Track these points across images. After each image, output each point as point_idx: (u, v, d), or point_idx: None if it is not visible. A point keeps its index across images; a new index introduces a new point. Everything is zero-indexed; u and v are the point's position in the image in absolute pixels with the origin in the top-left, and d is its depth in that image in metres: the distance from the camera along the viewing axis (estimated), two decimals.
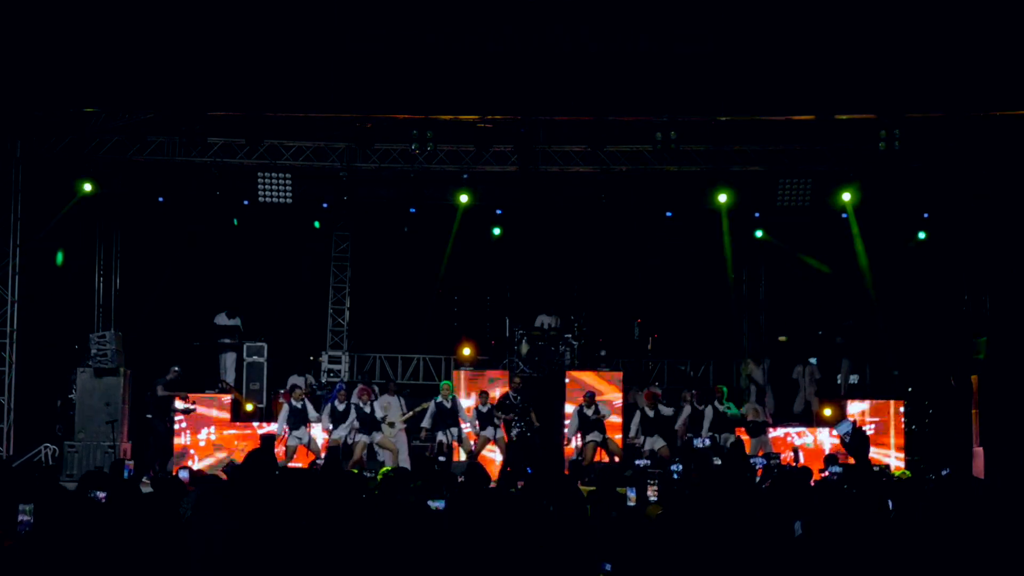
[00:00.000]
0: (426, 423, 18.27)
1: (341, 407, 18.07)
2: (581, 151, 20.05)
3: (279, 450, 17.69)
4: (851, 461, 16.54)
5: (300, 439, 18.05)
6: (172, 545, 7.19)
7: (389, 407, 18.77)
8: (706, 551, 7.39)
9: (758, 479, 13.51)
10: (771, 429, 19.16)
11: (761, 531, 7.57)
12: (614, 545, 7.45)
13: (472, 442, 18.30)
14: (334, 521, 7.19)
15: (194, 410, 18.96)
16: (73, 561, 7.03)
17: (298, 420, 18.06)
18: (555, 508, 7.96)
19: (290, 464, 17.67)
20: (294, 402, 18.09)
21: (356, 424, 17.87)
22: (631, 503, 9.73)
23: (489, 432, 18.33)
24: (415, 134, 17.75)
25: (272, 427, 18.61)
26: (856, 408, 19.44)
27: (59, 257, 20.94)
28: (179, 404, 18.83)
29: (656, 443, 18.27)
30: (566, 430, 18.79)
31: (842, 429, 17.80)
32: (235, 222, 21.24)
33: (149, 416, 18.86)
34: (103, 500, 8.34)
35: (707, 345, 22.96)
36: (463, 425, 18.42)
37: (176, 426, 18.89)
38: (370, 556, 7.01)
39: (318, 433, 18.40)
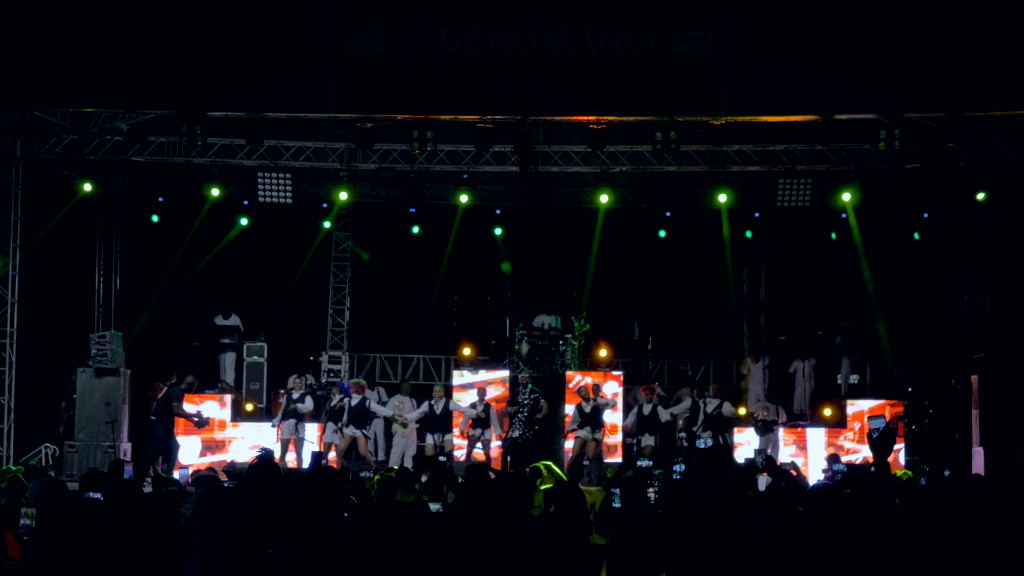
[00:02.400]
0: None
1: (335, 401, 18.19)
2: (581, 151, 20.03)
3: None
4: (870, 459, 16.46)
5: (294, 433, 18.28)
6: (172, 545, 7.19)
7: (403, 406, 18.83)
8: (702, 549, 7.39)
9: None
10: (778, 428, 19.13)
11: (755, 531, 7.57)
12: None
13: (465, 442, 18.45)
14: (328, 522, 7.19)
15: (208, 422, 18.95)
16: (73, 560, 7.03)
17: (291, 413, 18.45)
18: (556, 508, 7.96)
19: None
20: (294, 393, 18.22)
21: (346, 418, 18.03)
22: (616, 504, 9.78)
23: (477, 432, 18.52)
24: (415, 134, 17.74)
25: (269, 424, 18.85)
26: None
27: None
28: (193, 416, 18.80)
29: (646, 441, 18.35)
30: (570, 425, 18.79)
31: (876, 424, 17.65)
32: (241, 222, 21.29)
33: (153, 418, 18.77)
34: (103, 501, 8.34)
35: (707, 345, 22.94)
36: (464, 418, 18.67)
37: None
38: (368, 557, 7.01)
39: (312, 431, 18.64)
